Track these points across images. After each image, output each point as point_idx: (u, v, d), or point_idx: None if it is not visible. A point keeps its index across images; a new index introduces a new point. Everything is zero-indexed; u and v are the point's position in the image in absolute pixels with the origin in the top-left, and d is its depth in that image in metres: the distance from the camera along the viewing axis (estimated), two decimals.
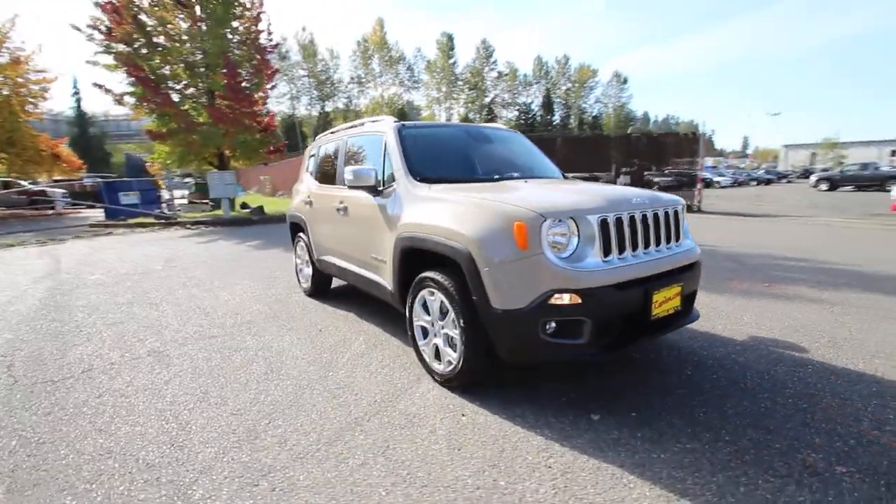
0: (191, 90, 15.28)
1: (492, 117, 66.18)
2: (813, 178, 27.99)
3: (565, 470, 1.86)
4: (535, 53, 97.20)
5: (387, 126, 3.41)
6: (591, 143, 19.09)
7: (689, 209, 12.63)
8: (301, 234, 4.78)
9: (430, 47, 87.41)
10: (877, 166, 25.10)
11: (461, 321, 2.40)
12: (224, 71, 14.19)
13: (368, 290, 3.57)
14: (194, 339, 3.52)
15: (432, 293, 2.64)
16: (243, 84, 14.99)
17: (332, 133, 4.57)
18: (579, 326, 2.15)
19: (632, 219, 2.37)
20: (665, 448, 1.97)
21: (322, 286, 4.67)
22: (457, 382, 2.56)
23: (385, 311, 4.16)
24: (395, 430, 2.20)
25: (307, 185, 4.67)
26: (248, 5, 15.35)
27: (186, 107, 15.00)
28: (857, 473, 1.78)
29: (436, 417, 2.32)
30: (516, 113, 69.60)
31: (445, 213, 2.61)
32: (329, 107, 61.76)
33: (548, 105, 69.66)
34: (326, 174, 4.33)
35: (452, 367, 2.54)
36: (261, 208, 15.00)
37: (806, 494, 1.67)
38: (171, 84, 14.79)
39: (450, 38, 61.97)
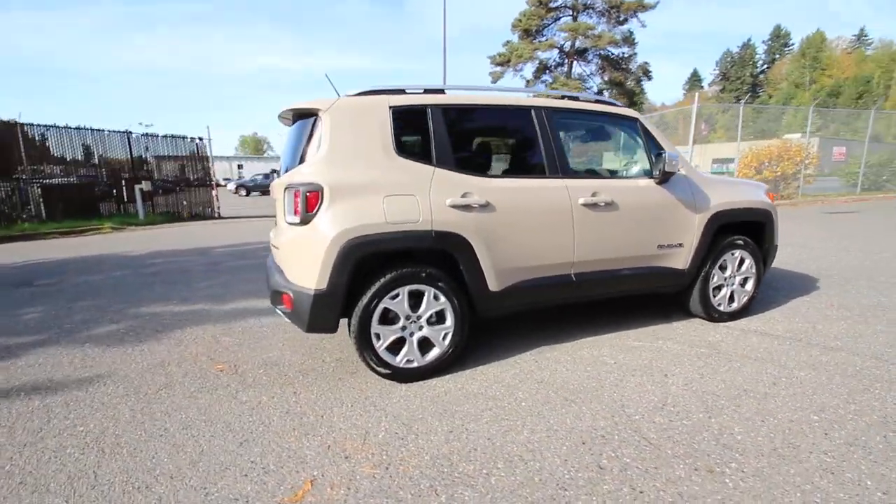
0: None
1: None
2: (231, 186, 30.58)
3: None
4: None
5: (634, 112, 3.46)
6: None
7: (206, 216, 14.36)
8: (415, 272, 2.64)
9: None
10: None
11: (759, 262, 3.64)
12: None
13: (630, 288, 3.35)
14: None
15: (733, 252, 3.53)
16: None
17: (454, 94, 2.91)
18: None
19: None
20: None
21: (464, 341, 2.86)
22: (739, 316, 3.65)
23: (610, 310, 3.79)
24: None
25: (442, 178, 2.72)
26: None
27: None
28: None
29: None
30: None
31: (738, 189, 3.76)
32: None
33: None
34: (512, 161, 3.33)
35: (737, 305, 3.65)
36: None
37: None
38: None
39: None
